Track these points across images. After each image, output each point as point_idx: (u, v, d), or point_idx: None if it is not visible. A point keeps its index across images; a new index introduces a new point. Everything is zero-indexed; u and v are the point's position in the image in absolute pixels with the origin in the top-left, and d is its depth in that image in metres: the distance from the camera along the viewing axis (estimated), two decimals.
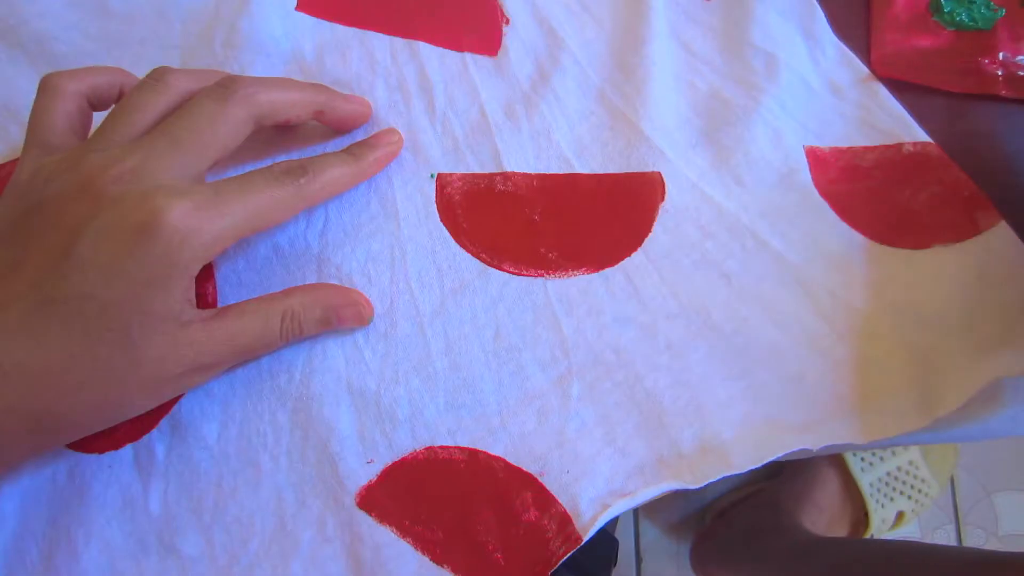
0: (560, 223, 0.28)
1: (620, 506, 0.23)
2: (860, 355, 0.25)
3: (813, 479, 0.67)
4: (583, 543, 0.23)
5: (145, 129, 0.23)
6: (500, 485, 0.24)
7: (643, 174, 0.29)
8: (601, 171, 0.29)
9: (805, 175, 0.29)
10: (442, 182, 0.28)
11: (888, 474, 0.68)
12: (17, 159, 0.28)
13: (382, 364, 0.25)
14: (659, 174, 0.28)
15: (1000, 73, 0.31)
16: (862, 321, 0.26)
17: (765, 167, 0.29)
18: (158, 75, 0.24)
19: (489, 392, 0.25)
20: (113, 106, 0.26)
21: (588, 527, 0.23)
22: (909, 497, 0.68)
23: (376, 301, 0.26)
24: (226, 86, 0.23)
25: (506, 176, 0.28)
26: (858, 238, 0.28)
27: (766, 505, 0.68)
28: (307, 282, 0.27)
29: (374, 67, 0.31)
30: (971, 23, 0.32)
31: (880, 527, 0.67)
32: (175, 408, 0.25)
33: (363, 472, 0.24)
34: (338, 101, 0.27)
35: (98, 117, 0.25)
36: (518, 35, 0.32)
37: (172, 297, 0.21)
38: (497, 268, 0.27)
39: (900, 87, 0.31)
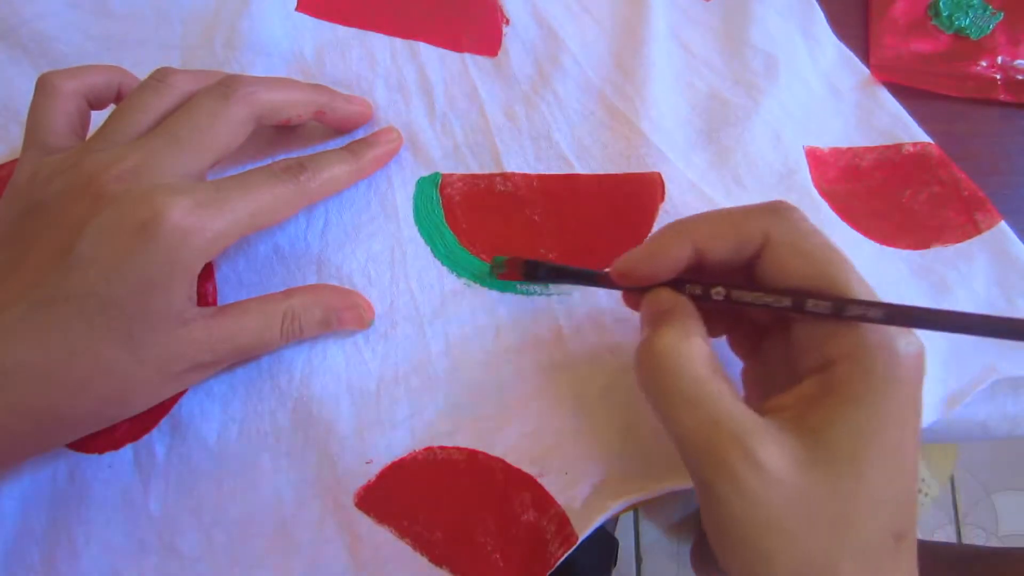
0: (560, 224, 0.28)
1: (618, 507, 0.23)
2: None
3: None
4: (579, 543, 0.23)
5: (146, 129, 0.23)
6: (499, 486, 0.24)
7: (643, 175, 0.29)
8: (601, 171, 0.29)
9: (804, 175, 0.29)
10: (443, 183, 0.28)
11: None
12: (17, 159, 0.28)
13: (382, 364, 0.25)
14: (659, 174, 0.28)
15: (999, 77, 0.31)
16: None
17: (764, 167, 0.29)
18: (160, 76, 0.24)
19: (489, 393, 0.25)
20: (113, 106, 0.26)
21: (586, 528, 0.23)
22: None
23: (376, 302, 0.26)
24: (227, 85, 0.24)
25: (506, 177, 0.28)
26: (858, 238, 0.28)
27: None
28: (307, 282, 0.27)
29: (374, 67, 0.31)
30: (970, 27, 0.32)
31: None
32: (175, 408, 0.25)
33: (362, 472, 0.24)
34: (339, 101, 0.27)
35: (97, 118, 0.25)
36: (518, 36, 0.32)
37: (173, 295, 0.21)
38: None
39: (899, 88, 0.31)
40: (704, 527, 0.19)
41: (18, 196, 0.22)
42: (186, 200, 0.20)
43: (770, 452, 0.17)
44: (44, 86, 0.24)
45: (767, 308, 0.19)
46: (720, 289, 0.20)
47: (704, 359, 0.19)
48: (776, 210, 0.20)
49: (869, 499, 0.17)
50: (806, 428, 0.18)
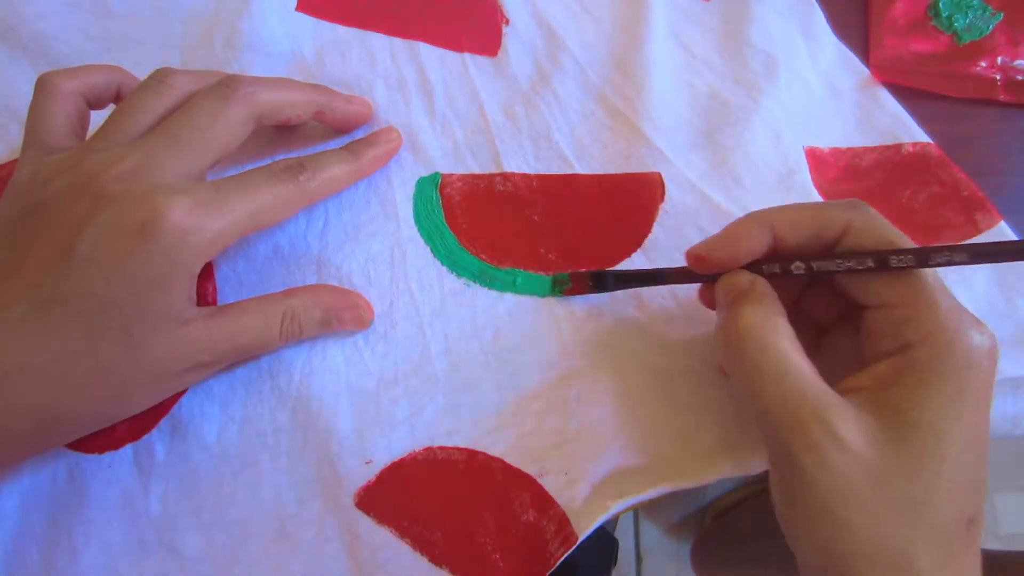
0: (560, 224, 0.28)
1: (618, 507, 0.23)
2: None
3: None
4: (579, 543, 0.23)
5: (146, 129, 0.23)
6: (499, 486, 0.24)
7: (643, 175, 0.29)
8: (601, 171, 0.29)
9: (804, 175, 0.29)
10: (443, 183, 0.28)
11: None
12: (17, 159, 0.28)
13: (382, 365, 0.25)
14: (659, 175, 0.28)
15: (999, 78, 0.31)
16: None
17: (765, 167, 0.29)
18: (160, 76, 0.24)
19: (488, 393, 0.25)
20: (113, 106, 0.26)
21: (586, 528, 0.23)
22: None
23: (376, 302, 0.26)
24: (227, 85, 0.24)
25: (506, 177, 0.28)
26: None
27: (767, 506, 0.68)
28: (307, 282, 0.27)
29: (374, 67, 0.31)
30: (969, 27, 0.32)
31: None
32: (175, 408, 0.25)
33: (362, 472, 0.24)
34: (338, 101, 0.27)
35: (97, 118, 0.25)
36: (518, 36, 0.32)
37: (173, 295, 0.21)
38: (497, 268, 0.27)
39: (899, 88, 0.31)
40: (776, 500, 0.20)
41: (18, 196, 0.22)
42: (186, 200, 0.20)
43: (849, 428, 0.18)
44: (43, 86, 0.24)
45: (849, 272, 0.20)
46: (799, 263, 0.21)
47: (788, 336, 0.19)
48: (856, 205, 0.20)
49: (948, 482, 0.18)
50: (887, 407, 0.18)
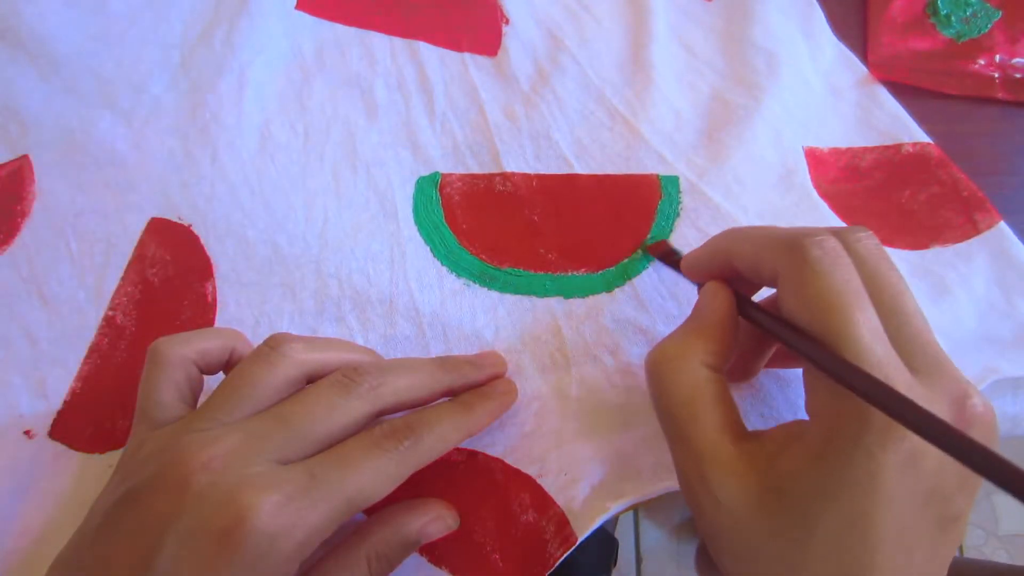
0: (560, 223, 0.28)
1: (618, 507, 0.23)
2: None
3: None
4: (578, 544, 0.23)
5: (254, 405, 0.21)
6: (499, 486, 0.24)
7: (642, 175, 0.29)
8: (600, 172, 0.29)
9: (804, 175, 0.29)
10: (442, 182, 0.28)
11: None
12: (17, 159, 0.28)
13: None
14: (657, 175, 0.28)
15: (997, 76, 0.31)
16: None
17: (764, 167, 0.29)
18: (273, 343, 0.22)
19: None
20: (223, 375, 0.24)
21: (585, 529, 0.23)
22: None
23: (376, 301, 0.26)
24: (351, 378, 0.21)
25: (506, 176, 0.28)
26: None
27: None
28: (306, 282, 0.26)
29: (374, 66, 0.31)
30: (968, 25, 0.32)
31: None
32: None
33: None
34: (468, 372, 0.24)
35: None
36: (518, 35, 0.32)
37: None
38: (497, 268, 0.27)
39: (898, 88, 0.31)
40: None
41: (121, 475, 0.21)
42: (275, 496, 0.18)
43: (724, 485, 0.18)
44: (153, 355, 0.22)
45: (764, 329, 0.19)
46: (753, 304, 0.20)
47: (698, 382, 0.19)
48: (793, 248, 0.18)
49: (817, 552, 0.17)
50: (773, 471, 0.18)
